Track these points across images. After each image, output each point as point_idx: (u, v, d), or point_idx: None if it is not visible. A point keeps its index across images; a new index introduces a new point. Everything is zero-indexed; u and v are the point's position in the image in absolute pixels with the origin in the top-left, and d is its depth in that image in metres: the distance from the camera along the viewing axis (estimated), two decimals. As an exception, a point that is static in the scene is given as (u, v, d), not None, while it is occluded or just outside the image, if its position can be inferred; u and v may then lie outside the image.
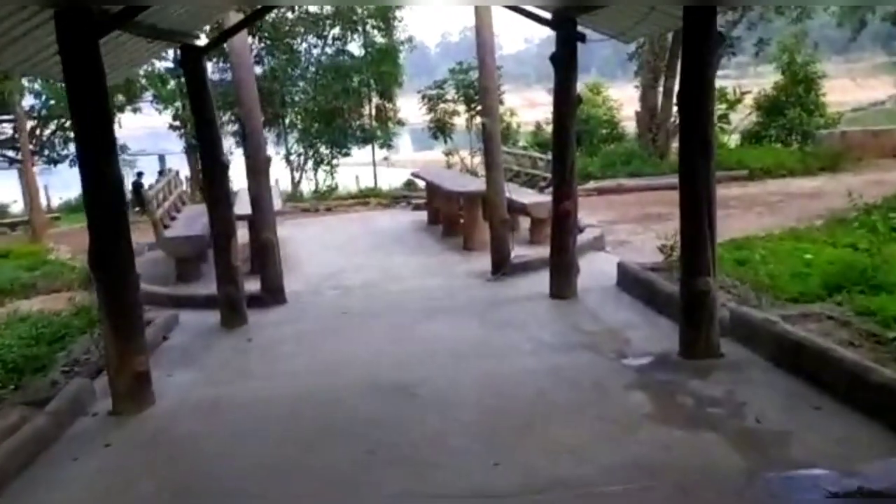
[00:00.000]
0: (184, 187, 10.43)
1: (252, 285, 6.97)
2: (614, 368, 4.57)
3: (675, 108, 16.05)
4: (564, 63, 6.11)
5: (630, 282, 6.37)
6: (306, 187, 17.39)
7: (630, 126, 17.69)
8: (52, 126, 17.24)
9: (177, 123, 17.58)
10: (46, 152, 17.58)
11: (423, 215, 11.55)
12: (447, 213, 10.00)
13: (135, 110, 17.80)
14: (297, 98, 16.80)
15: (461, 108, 15.94)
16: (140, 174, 19.51)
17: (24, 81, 15.49)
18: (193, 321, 6.38)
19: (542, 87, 16.61)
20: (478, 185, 9.15)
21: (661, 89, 15.74)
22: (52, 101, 16.28)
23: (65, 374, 4.88)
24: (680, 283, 4.72)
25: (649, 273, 6.23)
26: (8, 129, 17.36)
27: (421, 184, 13.03)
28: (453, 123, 16.09)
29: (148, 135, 22.74)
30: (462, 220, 9.39)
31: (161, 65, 17.22)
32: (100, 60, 4.09)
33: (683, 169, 4.53)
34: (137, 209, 18.34)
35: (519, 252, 7.78)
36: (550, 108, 6.85)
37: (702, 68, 4.39)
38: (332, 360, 5.07)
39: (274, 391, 4.56)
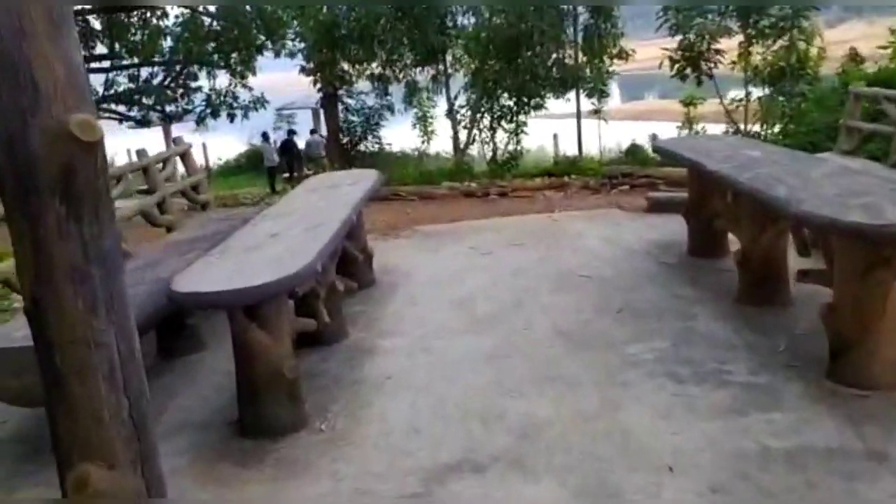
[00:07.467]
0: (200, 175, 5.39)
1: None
2: None
3: None
4: None
5: None
6: (479, 152, 11.94)
7: None
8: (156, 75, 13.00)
9: (311, 65, 12.92)
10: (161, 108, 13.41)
11: (669, 226, 5.57)
12: (757, 253, 3.97)
13: (277, 53, 13.18)
14: (464, 22, 11.27)
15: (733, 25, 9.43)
16: (292, 132, 15.81)
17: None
18: None
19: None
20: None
21: None
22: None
23: None
24: None
25: None
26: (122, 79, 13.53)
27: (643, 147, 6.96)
28: (719, 53, 9.58)
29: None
30: (834, 291, 3.38)
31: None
32: None
33: None
34: (287, 175, 14.40)
35: None
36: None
37: None
38: None
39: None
